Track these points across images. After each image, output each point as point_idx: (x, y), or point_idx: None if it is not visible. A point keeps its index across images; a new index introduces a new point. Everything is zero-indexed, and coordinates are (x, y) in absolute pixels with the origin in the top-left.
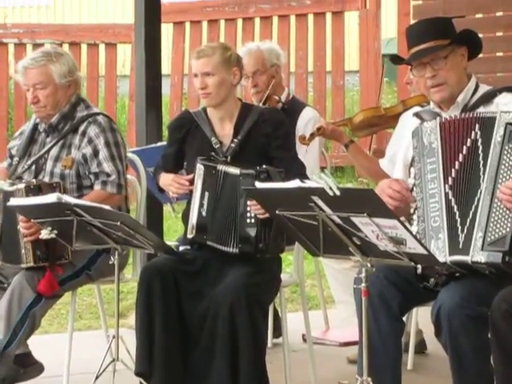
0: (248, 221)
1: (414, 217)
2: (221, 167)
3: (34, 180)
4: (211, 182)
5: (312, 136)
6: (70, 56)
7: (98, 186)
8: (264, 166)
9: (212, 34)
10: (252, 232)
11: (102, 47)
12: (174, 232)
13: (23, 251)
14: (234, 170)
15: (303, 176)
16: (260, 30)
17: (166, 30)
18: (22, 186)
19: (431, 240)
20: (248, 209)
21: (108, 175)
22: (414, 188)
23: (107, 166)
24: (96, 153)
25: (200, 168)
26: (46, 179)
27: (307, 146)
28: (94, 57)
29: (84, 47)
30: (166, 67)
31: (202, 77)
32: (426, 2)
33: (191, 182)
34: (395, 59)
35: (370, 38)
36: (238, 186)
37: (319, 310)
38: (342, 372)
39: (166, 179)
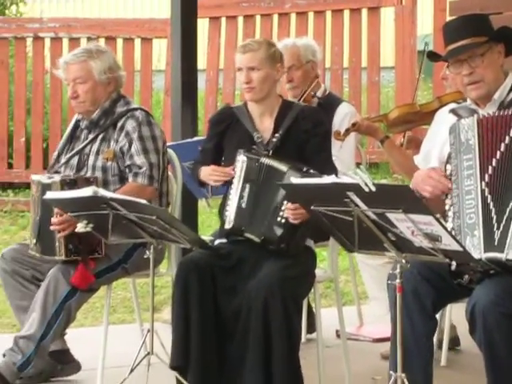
0: (278, 219)
1: (449, 213)
2: (264, 160)
3: (70, 174)
4: (253, 175)
5: (347, 132)
6: (112, 54)
7: (130, 179)
8: (311, 171)
9: (248, 29)
10: (278, 231)
11: (137, 42)
12: (207, 227)
13: (57, 244)
14: (282, 166)
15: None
16: (296, 25)
17: (202, 25)
18: (57, 179)
19: (466, 237)
20: (283, 208)
21: (139, 167)
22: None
23: (138, 159)
24: (130, 147)
25: (243, 160)
26: (89, 173)
27: (342, 142)
28: (130, 51)
29: (120, 42)
30: (201, 62)
31: (247, 71)
32: None
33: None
34: (432, 56)
35: (406, 34)
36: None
37: (353, 305)
38: (376, 368)
39: (206, 170)
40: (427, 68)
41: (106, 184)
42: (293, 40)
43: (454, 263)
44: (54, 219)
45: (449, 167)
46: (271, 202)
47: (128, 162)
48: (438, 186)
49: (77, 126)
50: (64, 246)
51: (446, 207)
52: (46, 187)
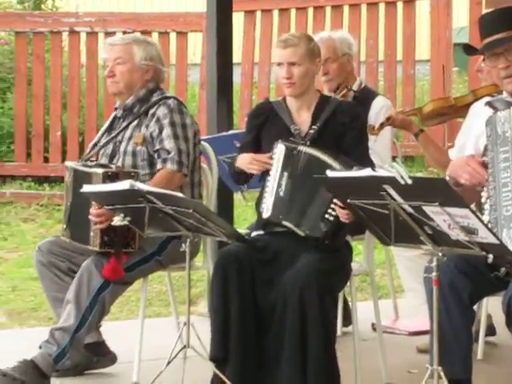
0: (327, 216)
1: (486, 206)
2: (303, 148)
3: (112, 166)
4: (291, 163)
5: (381, 126)
6: (159, 48)
7: (159, 165)
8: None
9: (283, 22)
10: (324, 227)
11: (172, 36)
12: (243, 220)
13: (92, 234)
14: (328, 159)
15: None
16: (331, 18)
17: (237, 19)
18: (100, 171)
19: (503, 229)
20: (332, 206)
21: (168, 152)
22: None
23: (168, 144)
24: (160, 132)
25: (281, 148)
26: (120, 159)
27: (375, 137)
28: (165, 45)
29: (155, 36)
30: (236, 56)
31: (288, 66)
32: None
33: (270, 159)
34: (468, 49)
35: (442, 27)
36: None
37: (388, 299)
38: (412, 361)
39: (244, 158)
40: (463, 61)
41: (135, 168)
42: (328, 33)
43: (490, 256)
44: (92, 210)
45: (485, 159)
46: (313, 191)
47: (157, 147)
48: (474, 176)
49: (115, 118)
50: (100, 237)
51: (483, 200)
52: (85, 176)
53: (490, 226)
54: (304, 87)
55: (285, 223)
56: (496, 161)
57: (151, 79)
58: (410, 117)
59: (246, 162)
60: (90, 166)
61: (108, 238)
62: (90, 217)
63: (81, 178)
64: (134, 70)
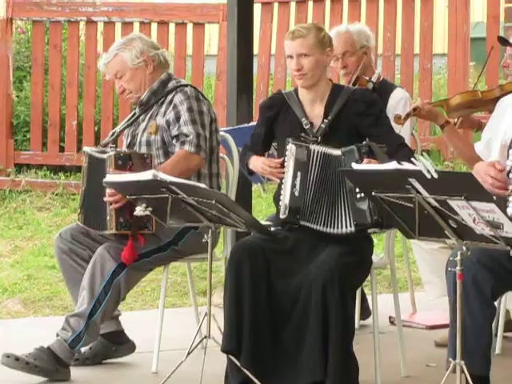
0: (358, 196)
1: (511, 198)
2: (313, 147)
3: (125, 149)
4: (304, 163)
5: (407, 116)
6: (143, 37)
7: (177, 148)
8: (365, 142)
9: (300, 14)
10: (364, 206)
11: (189, 26)
12: (258, 212)
13: (108, 217)
14: (335, 152)
15: (403, 146)
16: (348, 11)
17: (255, 11)
18: (112, 152)
19: None
20: (357, 190)
21: (186, 136)
22: None
23: (185, 128)
24: (178, 118)
25: (292, 148)
26: (137, 150)
27: (401, 127)
28: (182, 36)
29: (172, 26)
30: (254, 48)
31: (298, 58)
32: None
33: (282, 164)
34: (504, 41)
35: (459, 21)
36: (343, 166)
37: (405, 292)
38: (430, 355)
39: (257, 162)
40: (480, 55)
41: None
42: (346, 26)
43: None
44: (108, 190)
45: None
46: (340, 188)
47: (175, 132)
48: (494, 184)
49: (134, 114)
50: (115, 218)
51: (508, 192)
52: (99, 161)
53: None
54: (316, 78)
55: (302, 223)
56: None
57: (156, 70)
58: (436, 108)
59: (259, 166)
60: (105, 152)
61: (123, 219)
62: (105, 198)
63: (95, 163)
64: (134, 73)
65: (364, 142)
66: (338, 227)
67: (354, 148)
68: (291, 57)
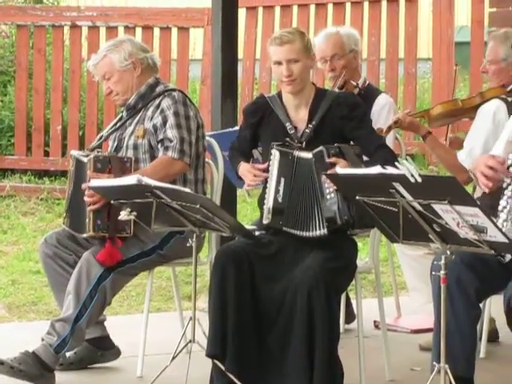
0: (328, 197)
1: (507, 192)
2: (296, 153)
3: (105, 153)
4: (287, 168)
5: (389, 128)
6: (133, 40)
7: (160, 153)
8: (335, 144)
9: (285, 19)
10: (334, 206)
11: (174, 31)
12: (243, 216)
13: (87, 220)
14: (307, 154)
15: (383, 147)
16: (333, 15)
17: (239, 15)
18: (91, 155)
19: None
20: (326, 185)
21: (170, 140)
22: None
23: (170, 132)
24: (165, 122)
25: (275, 154)
26: (123, 154)
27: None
28: (167, 41)
29: (157, 31)
30: (238, 52)
31: (288, 64)
32: None
33: (266, 169)
34: None
35: (444, 26)
36: (313, 169)
37: (389, 296)
38: (415, 359)
39: (244, 169)
40: (464, 59)
41: (136, 162)
42: (336, 28)
43: (508, 256)
44: (87, 192)
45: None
46: (313, 190)
47: (161, 137)
48: (490, 175)
49: (121, 118)
50: (93, 221)
51: (504, 185)
52: (81, 165)
53: (505, 211)
54: (304, 83)
55: (285, 229)
56: None
57: (144, 73)
58: (417, 119)
59: (244, 174)
60: (88, 156)
61: (101, 221)
62: (85, 198)
63: (80, 167)
64: (122, 75)
65: (335, 144)
66: (311, 230)
67: (322, 149)
68: (279, 63)
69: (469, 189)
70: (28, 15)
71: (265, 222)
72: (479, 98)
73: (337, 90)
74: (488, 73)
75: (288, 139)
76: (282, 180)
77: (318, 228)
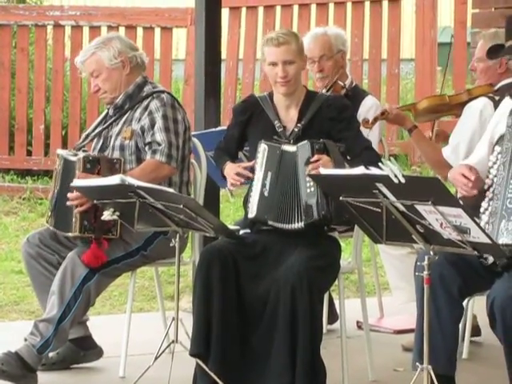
0: (308, 191)
1: (488, 193)
2: (285, 147)
3: (95, 153)
4: (274, 162)
5: (375, 120)
6: (122, 38)
7: (148, 156)
8: (321, 140)
9: (268, 19)
10: (313, 200)
11: (157, 31)
12: (226, 216)
13: (73, 220)
14: (291, 148)
15: (369, 149)
16: (316, 16)
17: (222, 15)
18: (81, 155)
19: (502, 220)
20: (307, 179)
21: (158, 144)
22: (495, 166)
23: (159, 136)
24: (153, 125)
25: (264, 148)
26: (109, 154)
27: (369, 130)
28: (150, 40)
29: (140, 30)
30: (221, 52)
31: (283, 65)
32: None
33: (252, 167)
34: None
35: (427, 26)
36: (297, 161)
37: (372, 297)
38: (397, 359)
39: (230, 169)
40: (446, 59)
41: (124, 164)
42: (324, 29)
43: (490, 259)
44: (70, 194)
45: (497, 148)
46: (295, 183)
47: (149, 139)
48: (466, 184)
49: (107, 115)
50: (79, 221)
51: (485, 186)
52: (69, 163)
53: (488, 213)
54: (297, 84)
55: (271, 223)
56: (511, 152)
57: (133, 71)
58: (403, 112)
59: (229, 175)
60: (77, 155)
61: (88, 222)
62: (69, 202)
63: (68, 166)
64: (111, 73)
65: (320, 140)
66: (290, 222)
67: (307, 143)
68: (275, 64)
69: (452, 189)
70: (11, 14)
71: (250, 216)
72: (466, 95)
73: (324, 90)
74: (476, 71)
75: (276, 137)
76: (269, 174)
77: (296, 221)
